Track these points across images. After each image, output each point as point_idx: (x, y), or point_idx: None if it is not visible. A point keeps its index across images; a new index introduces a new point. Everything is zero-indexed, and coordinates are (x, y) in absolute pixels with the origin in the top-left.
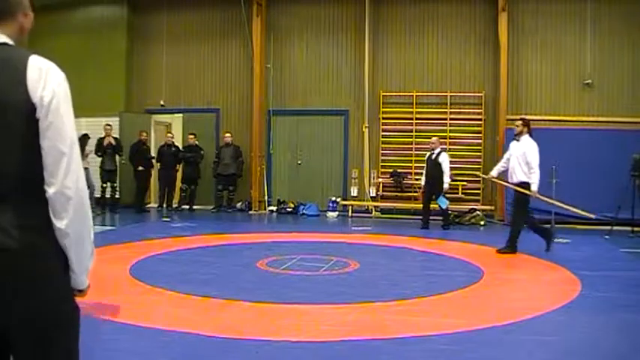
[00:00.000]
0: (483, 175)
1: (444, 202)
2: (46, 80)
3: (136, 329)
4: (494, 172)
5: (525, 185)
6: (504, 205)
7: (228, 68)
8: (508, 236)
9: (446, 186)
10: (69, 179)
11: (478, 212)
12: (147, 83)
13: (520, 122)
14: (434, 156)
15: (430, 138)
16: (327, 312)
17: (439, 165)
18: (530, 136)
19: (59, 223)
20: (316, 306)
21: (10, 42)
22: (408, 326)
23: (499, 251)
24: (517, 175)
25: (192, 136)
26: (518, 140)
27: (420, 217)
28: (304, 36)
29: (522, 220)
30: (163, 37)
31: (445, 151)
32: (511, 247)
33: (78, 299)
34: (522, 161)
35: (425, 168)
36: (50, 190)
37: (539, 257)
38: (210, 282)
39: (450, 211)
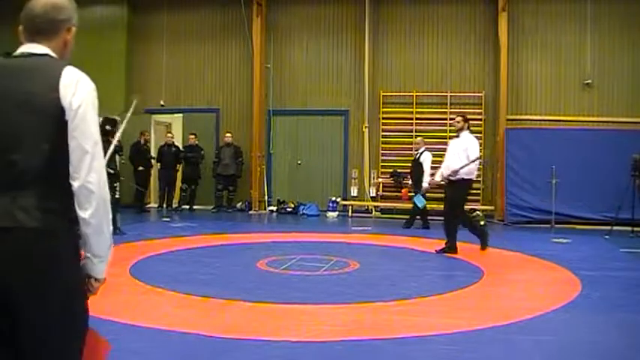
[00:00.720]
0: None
1: (420, 201)
2: (76, 88)
3: (136, 329)
4: (437, 177)
5: (464, 182)
6: (504, 205)
7: (228, 68)
8: (445, 235)
9: (425, 185)
10: (91, 175)
11: (478, 212)
12: (147, 83)
13: (460, 118)
14: (417, 156)
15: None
16: (327, 312)
17: (421, 165)
18: (470, 132)
19: (83, 214)
20: (316, 306)
21: (53, 54)
22: (408, 326)
23: (438, 251)
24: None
25: (192, 136)
26: (458, 136)
27: (419, 217)
28: (304, 36)
29: (459, 217)
30: (163, 37)
31: (430, 151)
32: (450, 246)
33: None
34: (464, 157)
35: (410, 169)
36: (75, 184)
37: (539, 257)
38: (210, 282)
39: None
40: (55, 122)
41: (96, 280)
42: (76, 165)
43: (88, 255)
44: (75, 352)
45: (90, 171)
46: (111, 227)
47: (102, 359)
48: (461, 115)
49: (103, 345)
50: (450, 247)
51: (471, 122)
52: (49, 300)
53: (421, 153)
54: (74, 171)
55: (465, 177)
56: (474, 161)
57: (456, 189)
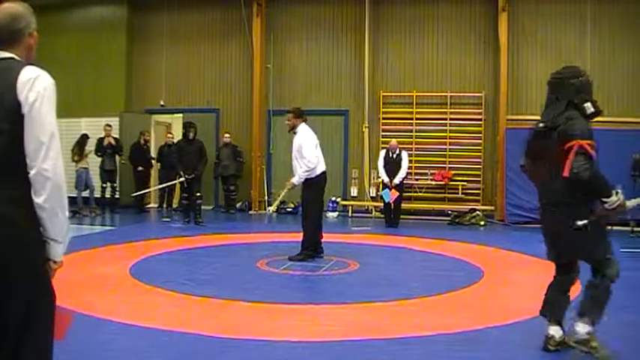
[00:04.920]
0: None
1: (387, 195)
2: (33, 84)
3: (136, 329)
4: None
5: (309, 182)
6: (504, 205)
7: (228, 68)
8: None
9: (396, 180)
10: (47, 163)
11: (478, 212)
12: (147, 83)
13: (290, 115)
14: (395, 156)
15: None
16: (327, 312)
17: (401, 162)
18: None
19: (38, 199)
20: (316, 306)
21: (17, 58)
22: (408, 326)
23: (290, 258)
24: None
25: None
26: (296, 133)
27: (384, 216)
28: (304, 36)
29: (315, 223)
30: (163, 37)
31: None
32: (305, 253)
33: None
34: (299, 156)
35: (384, 167)
36: (31, 172)
37: (539, 257)
38: (210, 282)
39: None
40: (12, 116)
41: (54, 262)
42: (32, 155)
43: (46, 238)
44: (47, 323)
45: (45, 159)
46: (67, 213)
47: (64, 329)
48: (290, 111)
49: (66, 317)
50: (305, 252)
51: (470, 122)
52: (16, 280)
53: (399, 153)
54: (31, 160)
55: (308, 177)
56: (306, 168)
57: (305, 190)
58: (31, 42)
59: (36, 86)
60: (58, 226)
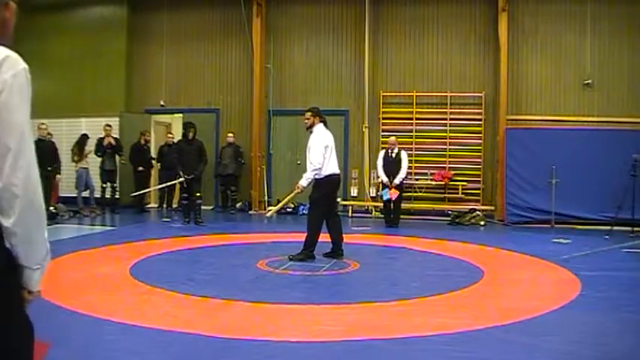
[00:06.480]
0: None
1: (386, 193)
2: None
3: (136, 329)
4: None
5: (316, 182)
6: (504, 205)
7: (228, 68)
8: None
9: (397, 181)
10: (15, 176)
11: (478, 212)
12: (147, 83)
13: (309, 113)
14: (394, 154)
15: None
16: (327, 312)
17: (400, 162)
18: (325, 125)
19: (5, 222)
20: (316, 306)
21: None
22: (408, 326)
23: (291, 258)
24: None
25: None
26: (312, 132)
27: (384, 216)
28: (304, 36)
29: (318, 224)
30: (163, 37)
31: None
32: (305, 252)
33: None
34: (308, 157)
35: (383, 166)
36: None
37: (539, 257)
38: (210, 282)
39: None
40: None
41: (29, 292)
42: None
43: (19, 264)
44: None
45: (14, 170)
46: (45, 234)
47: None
48: (309, 110)
49: (41, 346)
50: (305, 252)
51: (471, 122)
52: None
53: (398, 152)
54: None
55: (318, 177)
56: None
57: (313, 190)
58: (6, 15)
59: (2, 73)
60: (34, 252)
